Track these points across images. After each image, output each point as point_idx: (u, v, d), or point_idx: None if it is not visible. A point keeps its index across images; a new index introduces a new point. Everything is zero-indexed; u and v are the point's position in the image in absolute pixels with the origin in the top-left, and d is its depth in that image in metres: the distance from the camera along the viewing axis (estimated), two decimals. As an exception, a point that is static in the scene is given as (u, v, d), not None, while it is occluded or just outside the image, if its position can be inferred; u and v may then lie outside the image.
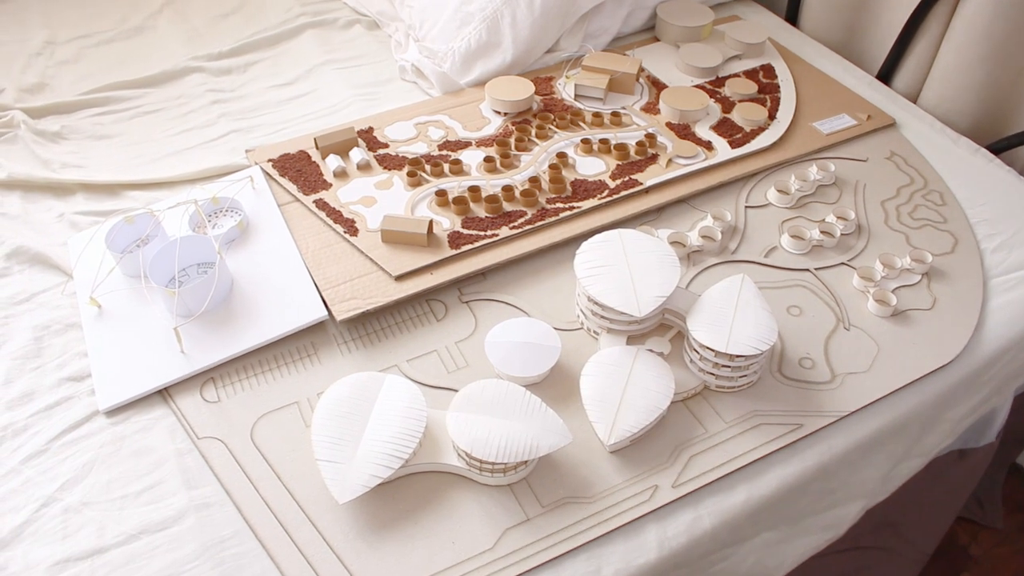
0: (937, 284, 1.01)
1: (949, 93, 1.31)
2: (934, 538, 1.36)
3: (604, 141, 1.16)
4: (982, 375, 0.97)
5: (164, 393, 0.88)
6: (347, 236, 1.02)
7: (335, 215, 1.05)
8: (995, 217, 1.11)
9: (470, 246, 1.00)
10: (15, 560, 0.74)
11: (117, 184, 1.13)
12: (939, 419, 0.97)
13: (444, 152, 1.16)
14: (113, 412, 0.86)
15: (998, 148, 1.24)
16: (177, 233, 1.02)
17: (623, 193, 1.08)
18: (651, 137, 1.17)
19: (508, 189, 1.07)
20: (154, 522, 0.77)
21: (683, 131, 1.20)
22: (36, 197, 1.12)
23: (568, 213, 1.05)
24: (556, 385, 0.88)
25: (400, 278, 0.97)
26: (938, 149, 1.22)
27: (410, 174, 1.10)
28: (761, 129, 1.21)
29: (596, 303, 0.88)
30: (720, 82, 1.32)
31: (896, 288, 0.99)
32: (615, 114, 1.23)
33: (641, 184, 1.10)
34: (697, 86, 1.31)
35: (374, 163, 1.13)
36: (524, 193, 1.06)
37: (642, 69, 1.33)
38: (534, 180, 1.09)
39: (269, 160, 1.14)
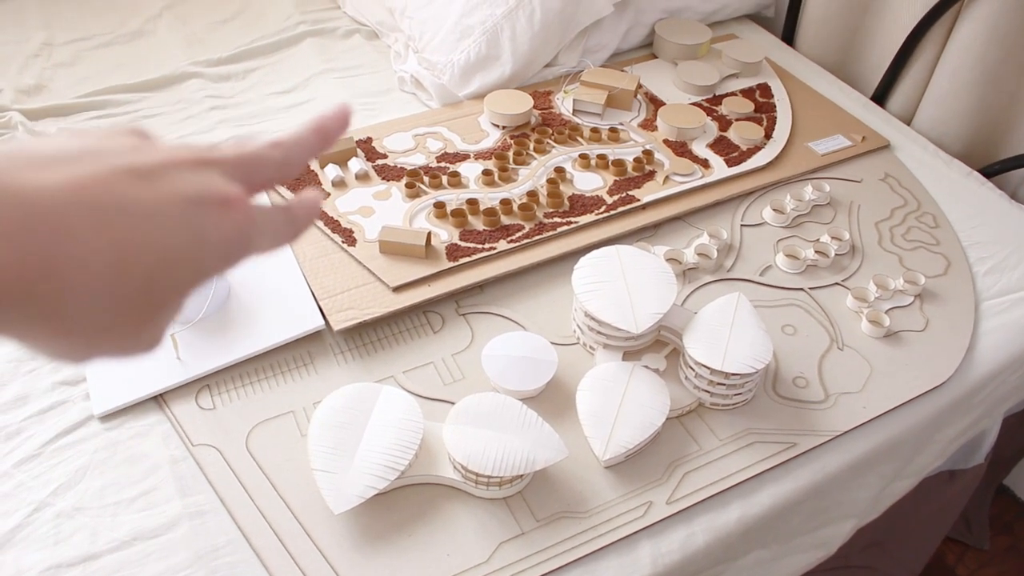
0: (930, 306, 1.02)
1: (942, 116, 1.32)
2: (922, 558, 1.36)
3: (602, 157, 1.17)
4: (973, 397, 0.97)
5: (159, 399, 0.87)
6: (345, 246, 1.02)
7: (333, 224, 1.05)
8: (987, 240, 1.12)
9: (468, 259, 1.00)
10: (6, 565, 0.74)
11: (114, 188, 1.13)
12: (930, 440, 0.97)
13: (442, 164, 1.16)
14: (107, 417, 0.86)
15: (990, 172, 1.26)
16: (174, 239, 1.02)
17: (620, 209, 1.09)
18: (648, 153, 1.18)
19: (506, 203, 1.08)
20: (147, 529, 0.77)
21: (680, 148, 1.21)
22: (32, 200, 1.11)
23: (565, 228, 1.06)
24: (552, 399, 0.88)
25: (397, 289, 0.97)
26: (931, 171, 1.24)
27: (408, 185, 1.10)
28: (757, 148, 1.22)
29: (593, 319, 0.88)
30: (717, 100, 1.33)
31: (889, 309, 1.00)
32: (613, 130, 1.23)
33: (638, 200, 1.11)
34: (694, 104, 1.32)
35: (372, 173, 1.13)
36: (522, 207, 1.07)
37: (640, 85, 1.34)
38: (532, 194, 1.10)
39: (267, 168, 1.14)
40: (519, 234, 1.04)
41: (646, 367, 0.87)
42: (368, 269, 0.99)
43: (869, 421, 0.89)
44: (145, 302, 0.33)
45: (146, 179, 0.33)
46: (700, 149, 1.21)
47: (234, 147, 0.38)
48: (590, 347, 0.93)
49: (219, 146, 0.38)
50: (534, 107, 1.26)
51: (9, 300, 0.29)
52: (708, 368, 0.84)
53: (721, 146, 1.22)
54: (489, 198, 1.10)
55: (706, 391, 0.86)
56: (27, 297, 0.30)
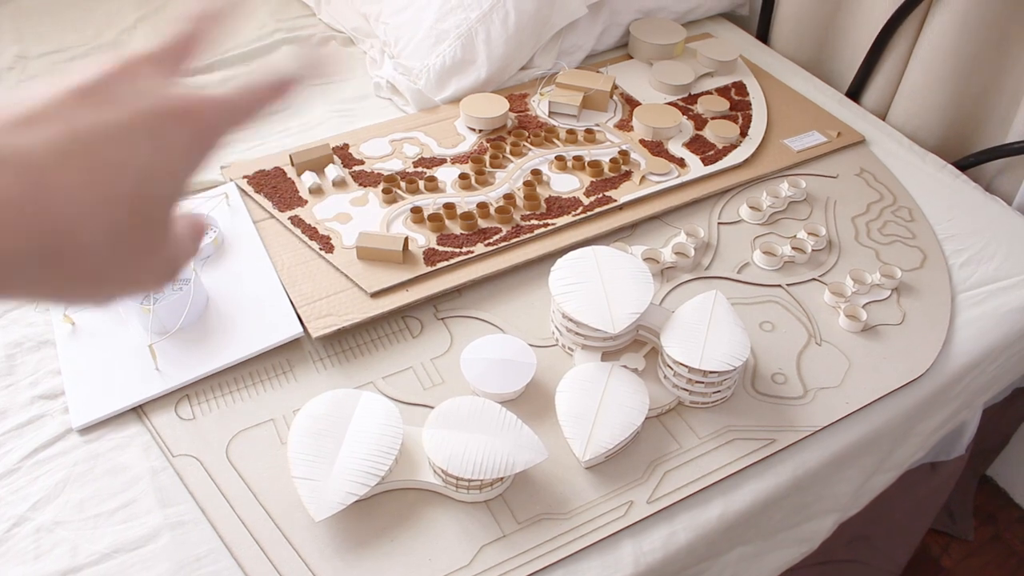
0: (906, 299, 1.02)
1: (917, 110, 1.33)
2: (907, 550, 1.37)
3: (578, 158, 1.17)
4: (951, 389, 0.98)
5: (138, 411, 0.87)
6: (323, 253, 1.02)
7: (311, 232, 1.05)
8: (962, 233, 1.13)
9: (445, 263, 1.01)
10: (-14, 581, 0.74)
11: (90, 200, 1.12)
12: (910, 433, 0.98)
13: (419, 169, 1.16)
14: (87, 430, 0.85)
15: (964, 165, 1.27)
16: (151, 250, 1.01)
17: (597, 210, 1.09)
18: (624, 154, 1.18)
19: (483, 206, 1.08)
20: (128, 541, 0.77)
21: (656, 148, 1.22)
22: (8, 214, 1.11)
23: (543, 230, 1.06)
24: (531, 401, 0.88)
25: (376, 295, 0.97)
26: (907, 166, 1.25)
27: (385, 191, 1.10)
28: (733, 146, 1.23)
29: (571, 320, 0.88)
30: (692, 99, 1.34)
31: (866, 303, 1.01)
32: (589, 131, 1.24)
33: (615, 201, 1.11)
34: (670, 103, 1.32)
35: (349, 180, 1.13)
36: (499, 210, 1.07)
37: (616, 86, 1.35)
38: (509, 197, 1.10)
39: (244, 176, 1.14)
40: (496, 237, 1.04)
41: (625, 367, 0.88)
42: (346, 275, 0.99)
43: (848, 415, 0.90)
44: (139, 224, 0.35)
45: (100, 98, 0.35)
46: (676, 148, 1.22)
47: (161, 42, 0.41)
48: (568, 348, 0.93)
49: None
50: (510, 110, 1.26)
51: (20, 260, 0.31)
52: (686, 367, 0.84)
53: (697, 145, 1.23)
54: (466, 202, 1.10)
55: (685, 390, 0.86)
56: (35, 252, 0.31)
